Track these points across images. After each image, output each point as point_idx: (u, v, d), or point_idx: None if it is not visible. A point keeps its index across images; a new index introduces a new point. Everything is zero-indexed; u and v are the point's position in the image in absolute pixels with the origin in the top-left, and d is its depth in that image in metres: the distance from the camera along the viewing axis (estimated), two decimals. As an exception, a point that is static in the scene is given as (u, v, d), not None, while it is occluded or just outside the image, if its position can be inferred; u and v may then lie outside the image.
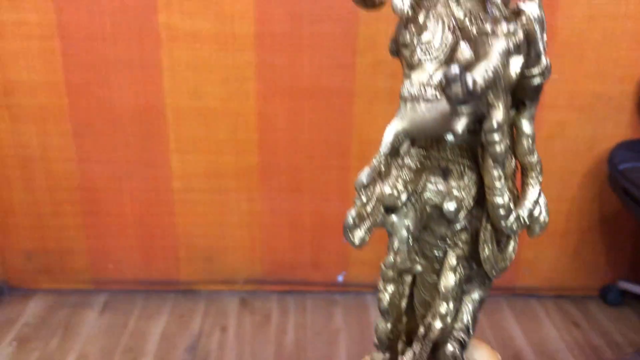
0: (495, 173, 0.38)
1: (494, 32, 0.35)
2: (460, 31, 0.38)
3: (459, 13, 0.38)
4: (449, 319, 0.42)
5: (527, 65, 0.37)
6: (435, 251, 0.42)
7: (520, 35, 0.36)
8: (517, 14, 0.37)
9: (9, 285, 0.91)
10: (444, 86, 0.32)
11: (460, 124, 0.34)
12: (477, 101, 0.35)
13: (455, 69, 0.31)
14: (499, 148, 0.37)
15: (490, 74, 0.34)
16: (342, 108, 0.81)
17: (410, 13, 0.38)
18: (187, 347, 0.81)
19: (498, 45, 0.35)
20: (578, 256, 0.92)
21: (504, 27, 0.36)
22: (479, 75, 0.33)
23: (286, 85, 0.81)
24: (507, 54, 0.35)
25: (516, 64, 0.36)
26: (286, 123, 0.82)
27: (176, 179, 0.86)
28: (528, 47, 0.37)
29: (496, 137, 0.37)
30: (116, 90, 0.81)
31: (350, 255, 0.90)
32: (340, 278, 0.92)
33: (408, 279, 0.44)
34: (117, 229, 0.88)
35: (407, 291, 0.45)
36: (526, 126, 0.40)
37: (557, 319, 0.89)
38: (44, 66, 0.79)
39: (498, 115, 0.36)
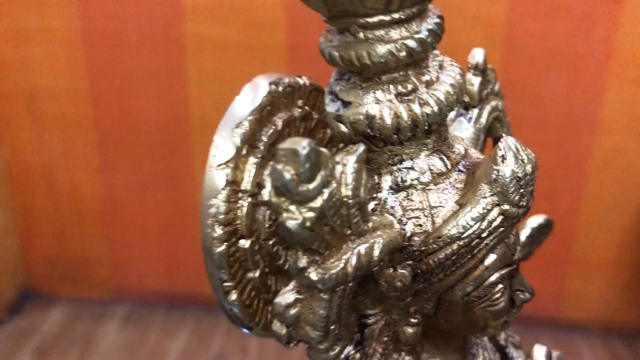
0: None
1: None
2: None
3: None
4: None
5: None
6: None
7: None
8: None
9: (31, 291, 0.90)
10: None
11: None
12: None
13: None
14: None
15: None
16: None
17: None
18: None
19: None
20: (630, 290, 0.85)
21: None
22: None
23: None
24: None
25: None
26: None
27: (201, 191, 0.82)
28: None
29: None
30: (141, 99, 0.78)
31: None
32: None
33: None
34: (140, 240, 0.86)
35: None
36: None
37: (604, 356, 0.83)
38: (68, 73, 0.77)
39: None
